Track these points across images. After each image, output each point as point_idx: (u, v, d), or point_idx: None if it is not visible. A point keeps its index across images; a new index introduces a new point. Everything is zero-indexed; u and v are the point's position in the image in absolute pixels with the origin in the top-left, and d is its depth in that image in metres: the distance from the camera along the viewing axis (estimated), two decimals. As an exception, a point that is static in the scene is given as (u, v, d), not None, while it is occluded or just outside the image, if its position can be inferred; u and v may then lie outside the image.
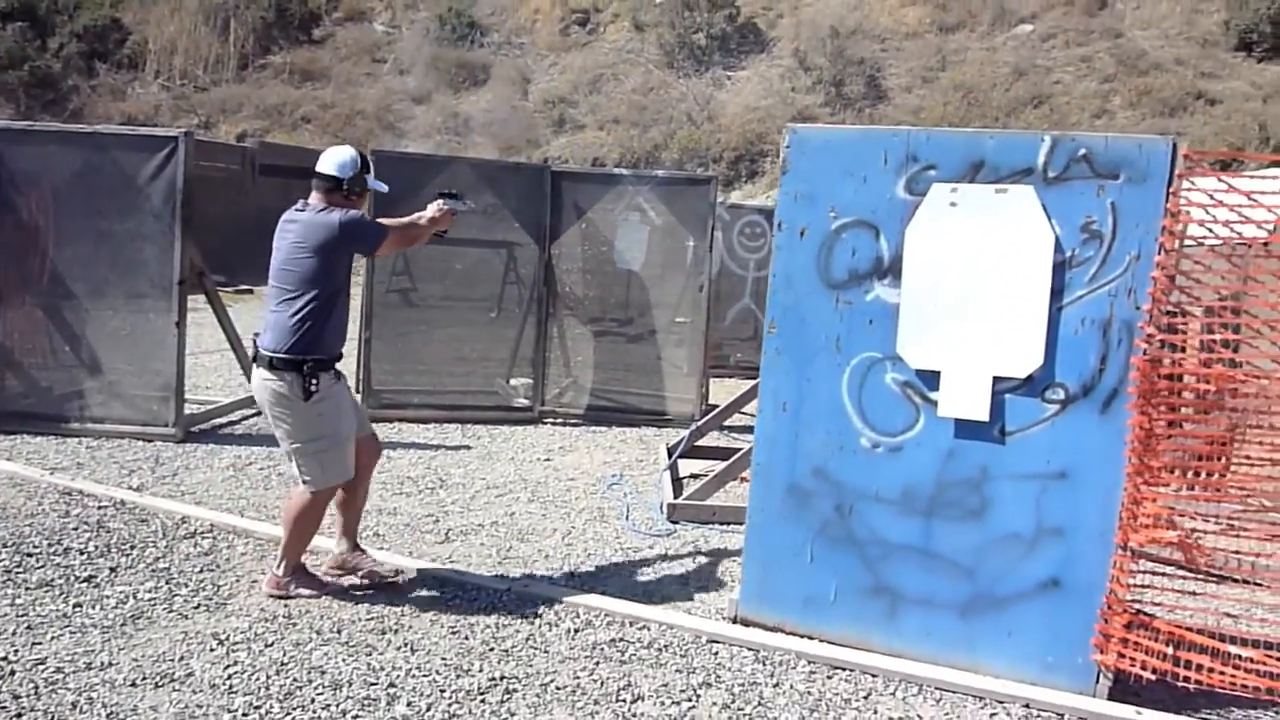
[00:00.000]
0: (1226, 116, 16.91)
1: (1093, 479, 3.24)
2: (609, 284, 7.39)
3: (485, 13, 22.47)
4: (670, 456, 5.84)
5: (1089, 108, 17.69)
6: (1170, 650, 3.15)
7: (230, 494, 5.10)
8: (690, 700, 3.16)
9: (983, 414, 3.34)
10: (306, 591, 3.81)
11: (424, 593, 3.92)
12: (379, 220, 3.88)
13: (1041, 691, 3.27)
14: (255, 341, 3.73)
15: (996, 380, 3.32)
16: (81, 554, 4.12)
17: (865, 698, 3.25)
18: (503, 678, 3.23)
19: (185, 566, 4.07)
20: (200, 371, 8.44)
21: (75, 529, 4.39)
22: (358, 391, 6.58)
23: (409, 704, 3.03)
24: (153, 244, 5.88)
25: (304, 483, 3.72)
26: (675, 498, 5.18)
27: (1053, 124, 16.87)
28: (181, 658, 3.26)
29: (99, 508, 4.70)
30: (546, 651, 3.44)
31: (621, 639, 3.56)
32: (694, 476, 5.76)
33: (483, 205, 6.50)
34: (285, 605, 3.71)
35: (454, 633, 3.55)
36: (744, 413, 5.80)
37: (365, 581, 3.93)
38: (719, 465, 5.42)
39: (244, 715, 2.93)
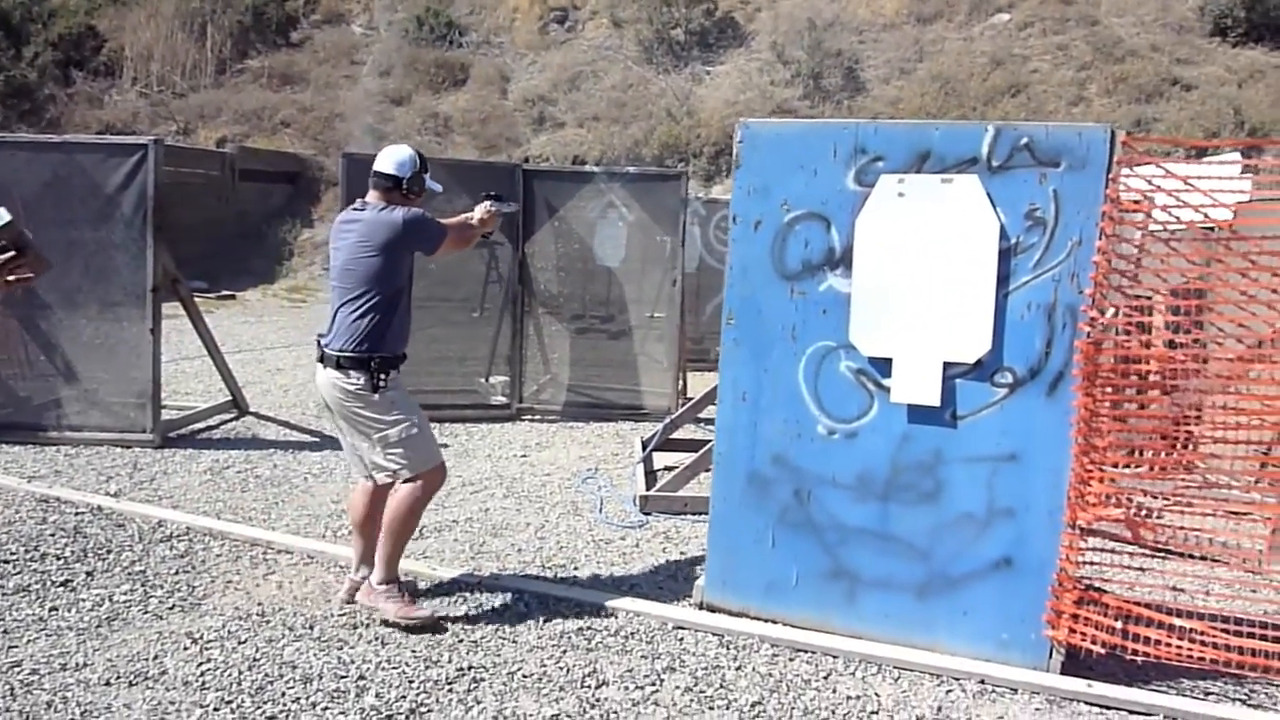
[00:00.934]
0: (1202, 102, 17.05)
1: (1041, 460, 3.33)
2: (583, 281, 7.47)
3: (463, 12, 22.45)
4: (644, 449, 5.92)
5: (1066, 95, 17.82)
6: (1120, 625, 3.24)
7: (207, 497, 5.15)
8: (654, 684, 3.24)
9: (934, 399, 3.42)
10: (394, 607, 3.56)
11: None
12: (439, 220, 3.81)
13: (996, 668, 3.36)
14: (320, 342, 3.66)
15: (947, 366, 3.41)
16: (58, 559, 4.17)
17: (825, 678, 3.33)
18: (470, 667, 3.30)
19: (161, 569, 4.12)
20: (181, 377, 8.49)
21: (52, 535, 4.44)
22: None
23: (378, 695, 3.10)
24: (125, 252, 5.92)
25: (401, 476, 3.60)
26: (648, 490, 5.26)
27: (1030, 112, 16.99)
28: (155, 656, 3.32)
29: (76, 514, 4.74)
30: (515, 642, 3.51)
31: (589, 628, 3.64)
32: (668, 469, 5.84)
33: (459, 206, 6.55)
34: (258, 604, 3.77)
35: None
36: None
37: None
38: (692, 457, 5.50)
39: (215, 710, 2.99)
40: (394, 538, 3.63)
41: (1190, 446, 3.58)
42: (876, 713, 3.13)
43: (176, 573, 4.09)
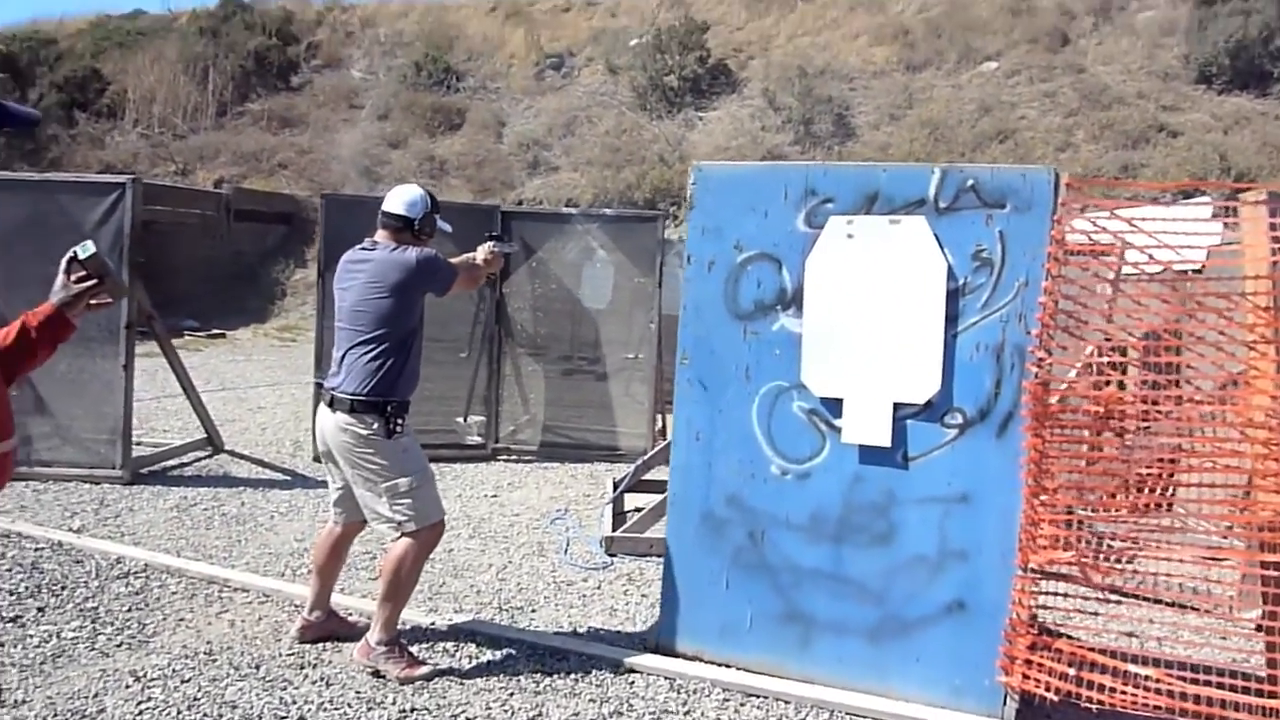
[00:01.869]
0: (1188, 148, 17.27)
1: (993, 501, 3.31)
2: (561, 321, 7.48)
3: (461, 58, 22.84)
4: (615, 490, 5.88)
5: (1053, 141, 18.04)
6: (1072, 671, 3.19)
7: (170, 534, 5.11)
8: (599, 729, 3.19)
9: (885, 440, 3.41)
10: (394, 670, 3.44)
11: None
12: (449, 260, 3.76)
13: (949, 715, 3.30)
14: (325, 386, 3.58)
15: (897, 406, 3.40)
16: (11, 595, 4.13)
17: (775, 723, 3.28)
18: (414, 709, 3.25)
19: (114, 606, 4.08)
20: (160, 415, 8.48)
21: (9, 570, 4.40)
22: (313, 438, 6.60)
23: (315, 737, 3.05)
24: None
25: (403, 528, 3.49)
26: (614, 531, 5.22)
27: (1018, 158, 17.18)
28: (95, 694, 3.28)
29: (35, 549, 4.71)
30: (462, 683, 3.46)
31: (540, 670, 3.59)
32: (638, 510, 5.80)
33: (445, 250, 6.61)
34: (207, 642, 3.73)
35: (370, 668, 3.56)
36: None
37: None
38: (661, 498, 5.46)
39: (148, 751, 2.95)
40: (393, 598, 3.49)
41: (1159, 490, 3.54)
42: (823, 759, 3.07)
43: (129, 610, 4.04)
